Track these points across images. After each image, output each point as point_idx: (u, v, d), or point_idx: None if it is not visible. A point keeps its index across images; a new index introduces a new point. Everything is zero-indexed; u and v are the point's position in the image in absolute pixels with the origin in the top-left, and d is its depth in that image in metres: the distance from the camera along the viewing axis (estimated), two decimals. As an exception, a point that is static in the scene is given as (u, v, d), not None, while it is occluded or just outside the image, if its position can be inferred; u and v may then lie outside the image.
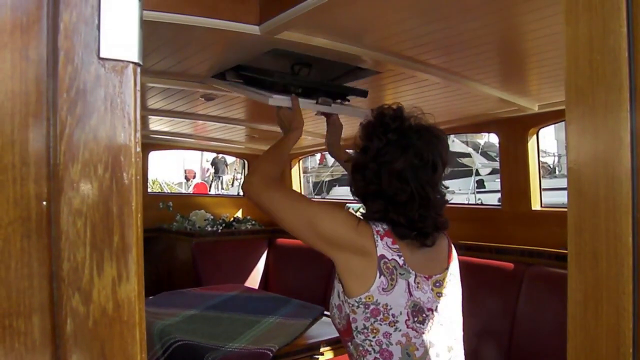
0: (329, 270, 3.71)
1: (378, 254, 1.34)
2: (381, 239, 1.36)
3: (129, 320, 0.57)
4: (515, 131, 2.90)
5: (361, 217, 1.42)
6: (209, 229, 4.26)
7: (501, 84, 2.43)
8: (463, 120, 3.11)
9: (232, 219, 4.60)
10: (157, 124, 3.82)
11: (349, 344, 1.41)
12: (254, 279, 4.10)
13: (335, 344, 2.10)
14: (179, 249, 4.19)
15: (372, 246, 1.35)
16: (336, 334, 2.05)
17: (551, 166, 16.27)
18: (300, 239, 1.44)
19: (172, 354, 1.89)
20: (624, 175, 0.72)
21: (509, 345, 2.42)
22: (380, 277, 1.32)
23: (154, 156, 4.86)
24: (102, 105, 0.56)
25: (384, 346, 1.33)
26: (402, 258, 1.36)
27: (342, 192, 14.77)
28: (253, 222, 4.59)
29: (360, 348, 1.37)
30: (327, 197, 15.06)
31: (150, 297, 2.64)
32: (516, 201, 2.94)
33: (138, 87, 0.59)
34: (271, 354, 1.83)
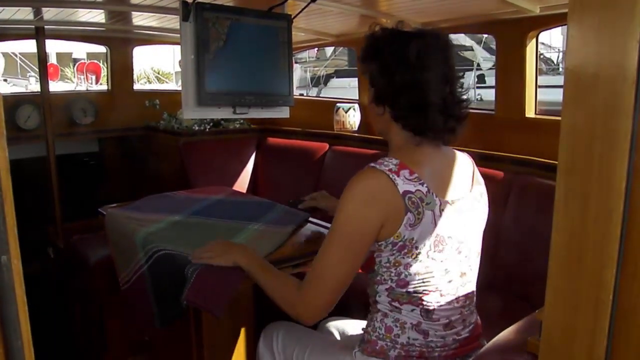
0: (318, 170, 3.69)
1: (401, 192, 1.31)
2: (398, 176, 1.32)
3: None
4: (514, 34, 2.76)
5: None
6: (196, 127, 4.16)
7: (501, -17, 2.27)
8: (459, 20, 2.95)
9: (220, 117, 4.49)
10: (140, 18, 3.63)
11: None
12: (244, 180, 4.08)
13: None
14: (167, 148, 4.13)
15: (395, 194, 1.31)
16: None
17: (555, 62, 15.76)
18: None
19: (155, 262, 1.88)
20: (623, 129, 0.66)
21: (494, 258, 2.38)
22: (407, 214, 1.31)
23: (142, 50, 4.67)
24: None
25: (402, 276, 1.36)
26: (426, 185, 1.33)
27: (340, 84, 14.51)
28: (242, 121, 4.48)
29: (378, 278, 1.41)
30: (322, 93, 14.73)
31: (136, 202, 2.58)
32: (510, 107, 2.85)
33: None
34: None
